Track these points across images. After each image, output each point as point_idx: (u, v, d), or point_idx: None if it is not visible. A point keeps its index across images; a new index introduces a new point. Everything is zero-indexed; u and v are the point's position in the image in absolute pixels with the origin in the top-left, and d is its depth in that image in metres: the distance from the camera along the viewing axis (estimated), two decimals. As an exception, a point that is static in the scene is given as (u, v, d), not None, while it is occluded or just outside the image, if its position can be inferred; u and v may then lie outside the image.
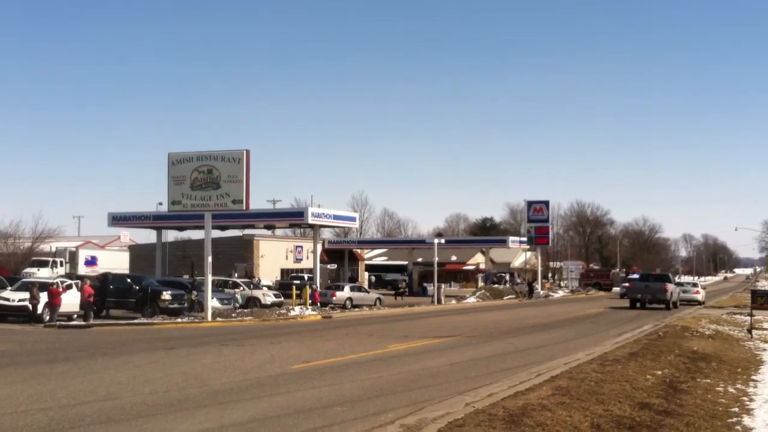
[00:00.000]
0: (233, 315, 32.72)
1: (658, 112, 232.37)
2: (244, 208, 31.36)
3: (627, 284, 59.50)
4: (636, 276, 67.62)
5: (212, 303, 31.82)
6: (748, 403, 12.16)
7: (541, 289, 69.86)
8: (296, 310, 35.56)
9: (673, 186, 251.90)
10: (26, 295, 29.00)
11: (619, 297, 60.54)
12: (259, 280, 49.34)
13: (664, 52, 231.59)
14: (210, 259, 31.62)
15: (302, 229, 74.86)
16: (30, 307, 28.69)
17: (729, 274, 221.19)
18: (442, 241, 59.71)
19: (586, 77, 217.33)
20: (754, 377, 15.35)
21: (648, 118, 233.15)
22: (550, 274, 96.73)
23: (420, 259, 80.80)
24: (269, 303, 39.99)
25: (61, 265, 55.64)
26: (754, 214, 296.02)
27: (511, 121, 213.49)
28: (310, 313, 35.26)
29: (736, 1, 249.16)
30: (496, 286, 70.72)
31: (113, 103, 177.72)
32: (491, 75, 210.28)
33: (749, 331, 25.91)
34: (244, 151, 30.81)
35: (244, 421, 10.15)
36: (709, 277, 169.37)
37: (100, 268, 55.97)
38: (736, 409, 11.54)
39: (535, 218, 73.13)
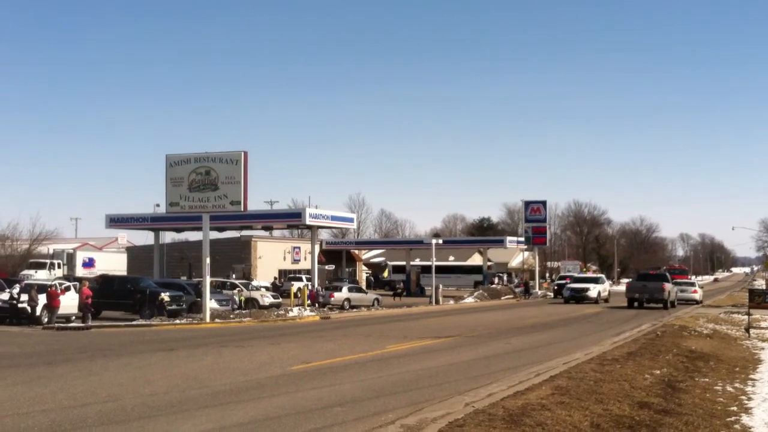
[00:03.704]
0: (232, 316, 32.75)
1: (655, 111, 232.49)
2: (242, 209, 31.42)
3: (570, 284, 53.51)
4: (573, 274, 66.54)
5: (210, 304, 31.85)
6: (746, 402, 12.22)
7: (539, 289, 69.91)
8: (295, 311, 35.56)
9: (670, 185, 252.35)
10: (24, 296, 29.01)
11: (563, 301, 50.87)
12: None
13: (662, 51, 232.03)
14: (208, 260, 31.65)
15: (300, 230, 74.90)
16: (29, 309, 28.70)
17: (722, 274, 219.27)
18: (440, 241, 59.65)
19: (583, 77, 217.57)
20: (752, 376, 15.42)
21: (645, 117, 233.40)
22: (547, 274, 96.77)
23: (418, 260, 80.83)
24: (267, 304, 40.13)
25: (59, 267, 55.63)
26: (751, 213, 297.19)
27: (508, 121, 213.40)
28: (308, 314, 35.27)
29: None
30: (494, 286, 70.75)
31: (110, 104, 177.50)
32: (488, 75, 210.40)
33: (747, 330, 25.99)
34: (242, 153, 30.85)
35: (245, 422, 10.18)
36: (706, 276, 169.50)
37: (98, 269, 56.02)
38: (735, 408, 11.59)
39: (532, 218, 73.06)
